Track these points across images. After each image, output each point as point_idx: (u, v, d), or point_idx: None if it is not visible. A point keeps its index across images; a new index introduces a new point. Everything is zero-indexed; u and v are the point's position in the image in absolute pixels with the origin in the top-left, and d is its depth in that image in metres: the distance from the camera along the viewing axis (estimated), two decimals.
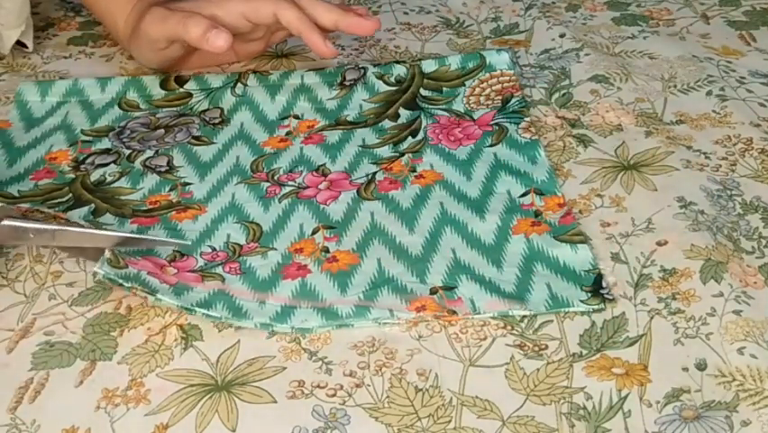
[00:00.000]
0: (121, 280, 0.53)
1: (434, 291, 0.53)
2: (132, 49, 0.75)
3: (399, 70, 0.74)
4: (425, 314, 0.52)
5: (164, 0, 0.73)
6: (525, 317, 0.52)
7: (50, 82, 0.74)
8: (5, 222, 0.54)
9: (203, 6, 0.69)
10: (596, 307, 0.52)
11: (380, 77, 0.73)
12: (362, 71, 0.74)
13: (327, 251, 0.57)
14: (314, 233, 0.59)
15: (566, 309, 0.52)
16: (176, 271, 0.55)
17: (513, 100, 0.70)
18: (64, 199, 0.62)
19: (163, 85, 0.74)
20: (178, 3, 0.71)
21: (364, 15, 0.72)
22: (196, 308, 0.52)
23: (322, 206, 0.61)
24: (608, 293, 0.53)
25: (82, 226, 0.57)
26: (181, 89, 0.73)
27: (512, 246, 0.57)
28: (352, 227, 0.59)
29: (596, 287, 0.53)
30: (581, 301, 0.53)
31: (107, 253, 0.54)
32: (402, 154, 0.66)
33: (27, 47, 0.78)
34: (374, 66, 0.74)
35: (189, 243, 0.55)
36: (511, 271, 0.55)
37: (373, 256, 0.56)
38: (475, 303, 0.53)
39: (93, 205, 0.61)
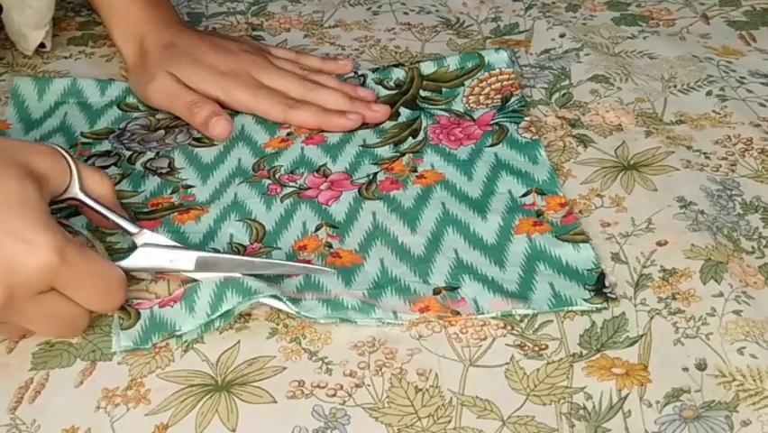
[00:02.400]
0: (141, 344, 0.51)
1: (437, 292, 0.54)
2: (130, 79, 0.74)
3: (398, 74, 0.74)
4: (429, 315, 0.52)
5: (170, 43, 0.72)
6: (525, 316, 0.52)
7: (48, 79, 0.74)
8: (141, 249, 0.53)
9: (210, 85, 0.69)
10: (599, 305, 0.52)
11: (380, 82, 0.74)
12: (362, 79, 0.74)
13: (331, 246, 0.57)
14: (317, 230, 0.59)
15: (569, 308, 0.52)
16: None
17: (512, 99, 0.70)
18: (64, 205, 0.61)
19: None
20: (184, 62, 0.70)
21: (372, 103, 0.70)
22: (212, 318, 0.51)
23: (324, 206, 0.61)
24: (610, 292, 0.53)
25: (218, 252, 0.55)
26: None
27: (514, 246, 0.57)
28: (354, 228, 0.59)
29: (598, 286, 0.54)
30: (584, 300, 0.53)
31: (115, 317, 0.52)
32: (403, 154, 0.66)
33: (45, 46, 0.79)
34: (373, 72, 0.74)
35: (333, 272, 0.55)
36: (514, 271, 0.55)
37: (376, 257, 0.56)
38: (478, 303, 0.53)
39: None
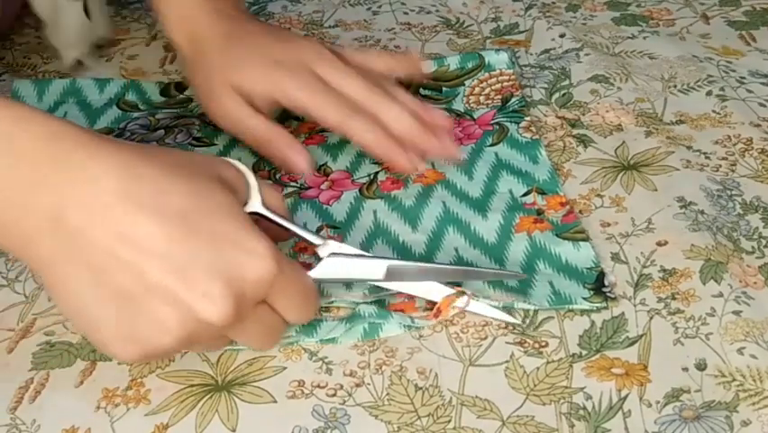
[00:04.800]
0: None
1: None
2: (188, 77, 0.69)
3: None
4: (442, 316, 0.52)
5: (227, 33, 0.65)
6: (525, 315, 0.52)
7: (47, 81, 0.74)
8: (330, 258, 0.51)
9: (266, 80, 0.62)
10: (598, 304, 0.52)
11: None
12: None
13: None
14: (318, 231, 0.59)
15: (569, 306, 0.52)
16: None
17: (513, 99, 0.70)
18: None
19: (164, 93, 0.74)
20: (239, 56, 0.64)
21: (444, 134, 0.62)
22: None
23: (325, 206, 0.61)
24: (609, 292, 0.53)
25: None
26: (181, 96, 0.73)
27: (514, 244, 0.57)
28: (355, 227, 0.59)
29: (598, 285, 0.54)
30: (584, 299, 0.53)
31: None
32: None
33: (83, 64, 0.77)
34: None
35: (524, 275, 0.54)
36: (513, 269, 0.55)
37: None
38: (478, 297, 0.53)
39: None
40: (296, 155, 0.62)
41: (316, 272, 0.51)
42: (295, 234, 0.52)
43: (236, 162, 0.50)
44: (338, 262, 0.51)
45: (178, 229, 0.43)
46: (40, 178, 0.43)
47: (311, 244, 0.52)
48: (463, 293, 0.52)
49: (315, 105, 0.61)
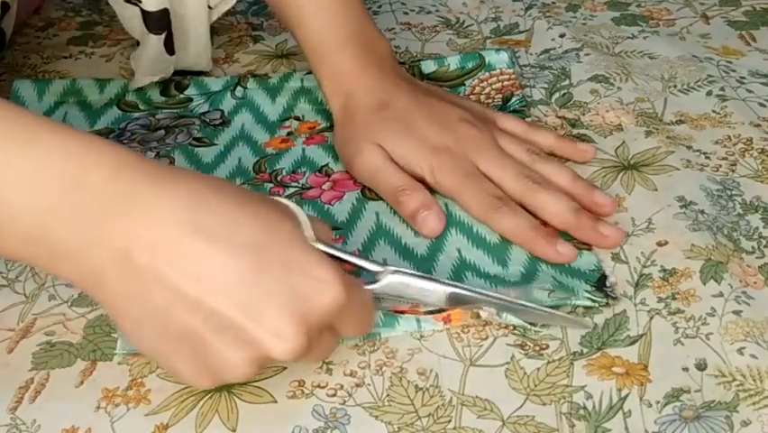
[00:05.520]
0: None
1: None
2: (335, 138, 0.66)
3: None
4: (452, 326, 0.52)
5: (383, 103, 0.63)
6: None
7: (47, 81, 0.74)
8: (394, 276, 0.51)
9: (418, 162, 0.60)
10: (599, 299, 0.52)
11: None
12: None
13: None
14: None
15: (573, 296, 0.52)
16: None
17: (513, 99, 0.70)
18: None
19: (164, 93, 0.74)
20: (393, 130, 0.62)
21: (601, 221, 0.58)
22: None
23: (326, 206, 0.61)
24: (611, 291, 0.53)
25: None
26: (181, 95, 0.73)
27: (517, 246, 0.57)
28: (357, 228, 0.59)
29: (599, 285, 0.54)
30: (586, 292, 0.53)
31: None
32: None
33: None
34: None
35: (590, 325, 0.51)
36: (516, 269, 0.55)
37: (379, 257, 0.57)
38: None
39: None
40: (432, 215, 0.58)
41: (378, 287, 0.51)
42: (353, 265, 0.52)
43: (286, 201, 0.49)
44: (402, 280, 0.51)
45: (249, 263, 0.43)
46: (108, 211, 0.43)
47: (370, 272, 0.52)
48: (478, 315, 0.52)
49: (459, 192, 0.59)
